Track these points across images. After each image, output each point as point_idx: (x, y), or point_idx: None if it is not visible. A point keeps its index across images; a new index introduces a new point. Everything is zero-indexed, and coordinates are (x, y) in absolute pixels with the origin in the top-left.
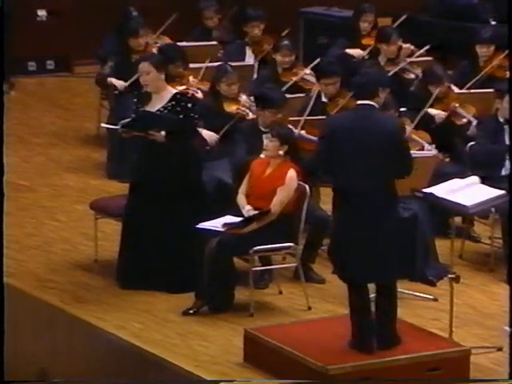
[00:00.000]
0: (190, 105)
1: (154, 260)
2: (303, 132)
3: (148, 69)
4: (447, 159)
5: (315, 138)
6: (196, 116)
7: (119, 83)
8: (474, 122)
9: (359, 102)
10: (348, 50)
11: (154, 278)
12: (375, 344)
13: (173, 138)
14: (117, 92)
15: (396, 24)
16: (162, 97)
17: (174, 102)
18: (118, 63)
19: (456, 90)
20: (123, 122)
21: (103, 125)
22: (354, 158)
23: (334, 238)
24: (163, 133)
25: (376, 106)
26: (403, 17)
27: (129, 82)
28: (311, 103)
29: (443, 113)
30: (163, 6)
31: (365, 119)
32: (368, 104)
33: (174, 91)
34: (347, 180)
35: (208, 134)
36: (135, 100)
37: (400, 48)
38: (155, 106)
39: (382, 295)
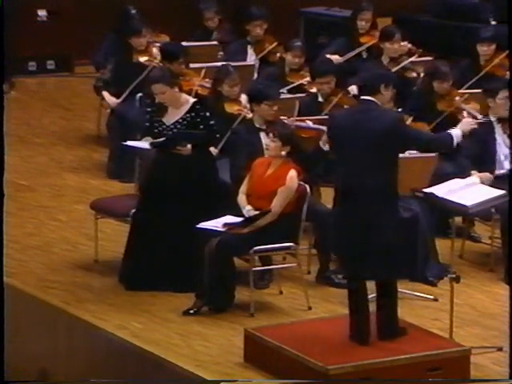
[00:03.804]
0: (208, 114)
1: (165, 262)
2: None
3: (162, 89)
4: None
5: (312, 125)
6: (214, 124)
7: (112, 100)
8: (479, 117)
9: (361, 97)
10: (328, 56)
11: (163, 280)
12: (379, 336)
13: (198, 150)
14: (109, 110)
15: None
16: (180, 108)
17: (193, 114)
18: (118, 63)
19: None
20: (154, 142)
21: (130, 143)
22: (352, 154)
23: (334, 235)
24: (189, 146)
25: (376, 101)
26: (388, 19)
27: (121, 98)
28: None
29: None
30: (162, 6)
31: (363, 114)
32: (368, 100)
33: (192, 100)
34: (347, 176)
35: None
36: (149, 109)
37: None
38: (173, 117)
39: (381, 294)
